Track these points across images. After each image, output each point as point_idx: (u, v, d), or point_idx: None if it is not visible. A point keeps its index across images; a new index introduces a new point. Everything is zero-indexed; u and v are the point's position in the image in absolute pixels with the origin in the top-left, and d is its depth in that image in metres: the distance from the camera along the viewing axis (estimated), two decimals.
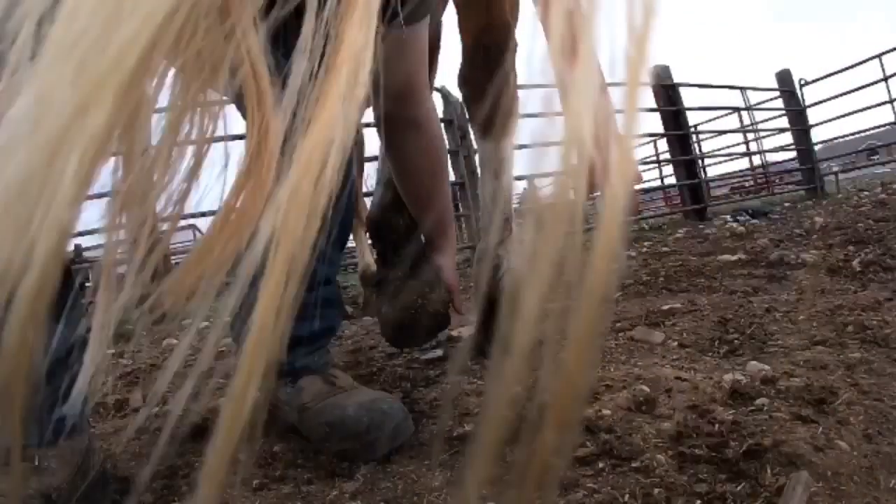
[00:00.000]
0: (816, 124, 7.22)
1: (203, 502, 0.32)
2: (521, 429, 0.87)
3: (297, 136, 0.30)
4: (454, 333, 1.74)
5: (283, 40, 0.37)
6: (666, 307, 1.62)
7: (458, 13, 1.40)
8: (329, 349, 1.07)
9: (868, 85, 6.85)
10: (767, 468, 0.67)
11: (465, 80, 1.44)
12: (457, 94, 2.95)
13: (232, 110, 1.02)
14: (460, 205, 5.00)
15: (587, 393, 0.99)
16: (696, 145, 6.69)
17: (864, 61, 6.94)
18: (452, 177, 4.72)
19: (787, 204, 6.02)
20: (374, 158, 4.25)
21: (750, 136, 8.10)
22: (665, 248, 3.42)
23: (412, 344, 0.96)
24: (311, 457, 0.92)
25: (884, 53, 6.72)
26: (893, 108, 6.61)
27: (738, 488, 0.64)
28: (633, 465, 0.73)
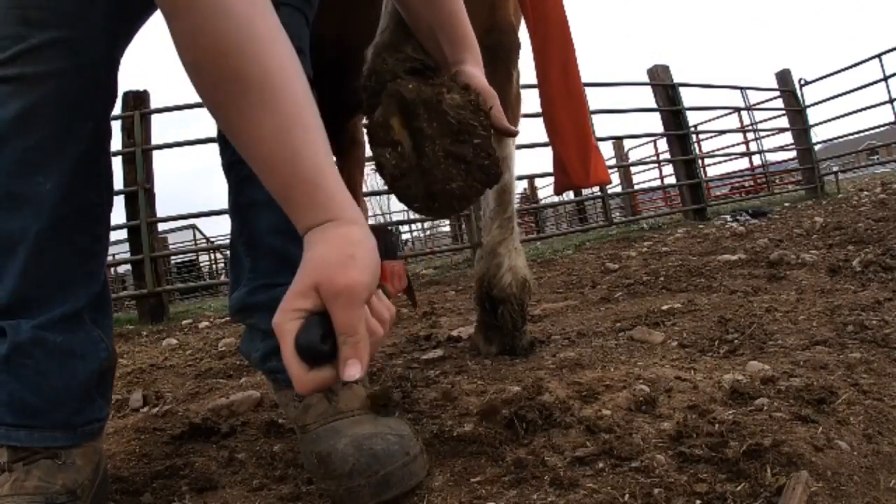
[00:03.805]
0: (816, 124, 7.23)
1: None
2: (521, 429, 0.87)
3: None
4: (454, 333, 1.74)
5: None
6: (666, 307, 1.62)
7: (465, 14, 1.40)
8: None
9: (868, 85, 6.86)
10: (767, 468, 0.67)
11: None
12: None
13: None
14: None
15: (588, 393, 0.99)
16: (696, 145, 6.69)
17: (864, 61, 6.95)
18: None
19: (787, 204, 6.02)
20: None
21: (750, 135, 8.11)
22: (665, 248, 3.42)
23: (459, 204, 0.75)
24: None
25: (884, 53, 6.72)
26: (893, 107, 6.61)
27: (738, 488, 0.64)
28: (633, 465, 0.73)
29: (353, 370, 0.52)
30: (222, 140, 0.94)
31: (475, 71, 0.82)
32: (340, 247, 0.56)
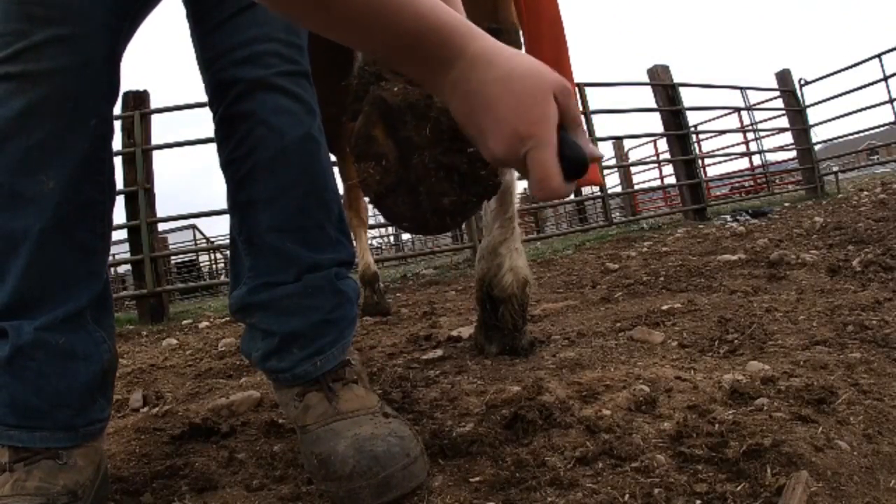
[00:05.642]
0: (816, 124, 7.23)
1: None
2: (521, 429, 0.88)
3: None
4: (454, 333, 1.74)
5: None
6: (666, 307, 1.62)
7: (464, 15, 1.39)
8: (343, 347, 0.91)
9: (868, 85, 6.86)
10: (767, 468, 0.67)
11: None
12: None
13: None
14: None
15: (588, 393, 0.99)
16: (696, 145, 6.69)
17: (864, 61, 6.95)
18: None
19: (787, 204, 6.02)
20: None
21: (750, 135, 8.11)
22: (665, 248, 3.42)
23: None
24: None
25: (884, 53, 6.73)
26: (893, 107, 6.61)
27: (738, 488, 0.64)
28: (633, 465, 0.73)
29: (595, 150, 0.58)
30: (221, 137, 0.93)
31: None
32: (526, 57, 0.57)
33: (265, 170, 0.88)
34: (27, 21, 0.72)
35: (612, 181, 10.57)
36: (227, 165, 0.93)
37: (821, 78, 7.20)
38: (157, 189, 4.28)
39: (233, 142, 0.90)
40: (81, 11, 0.74)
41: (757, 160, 8.46)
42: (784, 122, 7.55)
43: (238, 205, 0.92)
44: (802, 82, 7.20)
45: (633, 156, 10.70)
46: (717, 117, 8.44)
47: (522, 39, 1.43)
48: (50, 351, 0.75)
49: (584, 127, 0.58)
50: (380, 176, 0.68)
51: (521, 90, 0.54)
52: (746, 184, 9.54)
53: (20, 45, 0.72)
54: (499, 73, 0.55)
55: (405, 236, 15.82)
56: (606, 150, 11.18)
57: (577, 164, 0.54)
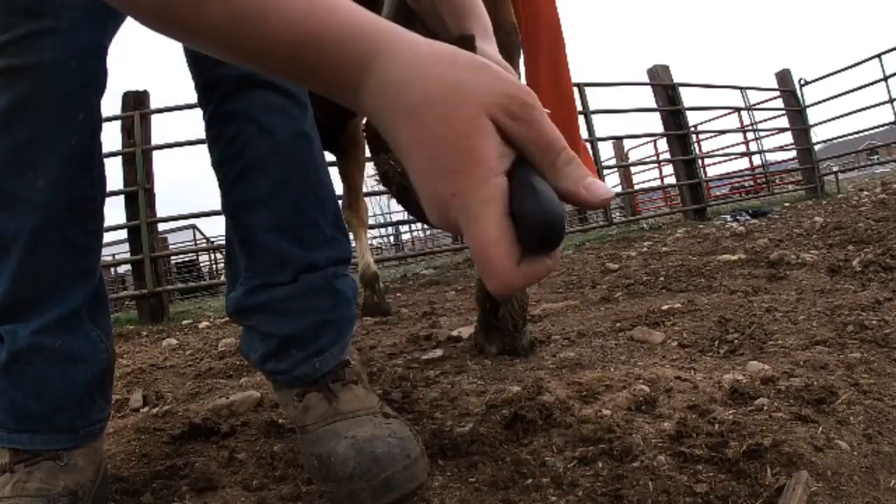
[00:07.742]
0: (816, 124, 7.23)
1: None
2: (521, 429, 0.88)
3: None
4: (454, 333, 1.74)
5: None
6: (666, 307, 1.62)
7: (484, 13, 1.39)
8: (342, 347, 0.90)
9: (868, 85, 6.86)
10: (767, 468, 0.67)
11: None
12: None
13: None
14: None
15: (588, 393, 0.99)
16: (696, 145, 6.69)
17: (864, 61, 6.95)
18: None
19: (787, 204, 6.02)
20: None
21: (750, 135, 8.11)
22: (665, 248, 3.42)
23: None
24: None
25: (884, 53, 6.72)
26: (893, 107, 6.61)
27: (738, 488, 0.64)
28: (633, 465, 0.73)
29: (601, 188, 0.36)
30: (211, 137, 0.92)
31: (484, 46, 0.66)
32: (450, 65, 0.35)
33: (257, 169, 0.87)
34: (10, 13, 0.70)
35: (612, 181, 10.56)
36: (218, 165, 0.91)
37: (821, 78, 7.20)
38: (157, 189, 4.27)
39: (223, 141, 0.89)
40: (66, 2, 0.72)
41: (757, 160, 8.46)
42: (784, 122, 7.55)
43: (231, 205, 0.90)
44: (802, 82, 7.20)
45: (633, 156, 10.69)
46: (717, 117, 8.43)
47: (522, 43, 1.44)
48: (47, 355, 0.74)
49: (568, 149, 0.36)
50: (401, 168, 0.67)
51: (433, 123, 0.34)
52: (746, 184, 9.53)
53: (3, 39, 0.70)
54: (410, 101, 0.35)
55: (405, 236, 15.82)
56: (606, 150, 11.17)
57: (542, 226, 0.32)
